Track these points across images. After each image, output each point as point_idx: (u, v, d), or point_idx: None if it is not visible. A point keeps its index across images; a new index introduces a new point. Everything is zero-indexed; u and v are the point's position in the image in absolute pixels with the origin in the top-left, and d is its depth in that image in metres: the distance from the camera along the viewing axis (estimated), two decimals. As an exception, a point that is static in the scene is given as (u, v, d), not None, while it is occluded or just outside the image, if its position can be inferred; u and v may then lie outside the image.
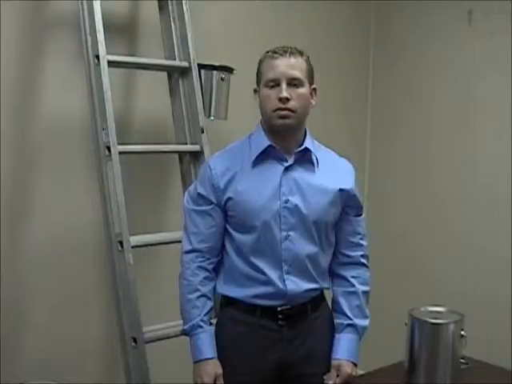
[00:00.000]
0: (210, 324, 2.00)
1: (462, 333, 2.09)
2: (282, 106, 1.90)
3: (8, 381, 2.41)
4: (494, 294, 3.26)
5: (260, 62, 1.98)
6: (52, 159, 2.62)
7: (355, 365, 2.01)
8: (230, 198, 1.95)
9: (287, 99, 1.89)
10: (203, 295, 1.98)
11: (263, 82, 1.94)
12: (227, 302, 2.03)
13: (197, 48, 2.65)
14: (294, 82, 1.90)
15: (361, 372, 2.12)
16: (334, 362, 1.99)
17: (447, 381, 2.09)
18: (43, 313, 2.63)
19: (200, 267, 1.99)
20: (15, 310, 2.57)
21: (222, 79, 2.81)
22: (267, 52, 1.96)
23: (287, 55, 1.91)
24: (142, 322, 2.37)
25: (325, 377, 1.96)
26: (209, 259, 2.00)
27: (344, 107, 3.74)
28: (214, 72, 2.80)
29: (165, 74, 2.72)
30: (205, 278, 1.99)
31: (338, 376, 1.98)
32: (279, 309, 1.96)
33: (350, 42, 3.74)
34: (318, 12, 3.52)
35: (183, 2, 2.63)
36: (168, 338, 2.48)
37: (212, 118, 2.81)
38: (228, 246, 2.00)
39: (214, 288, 2.03)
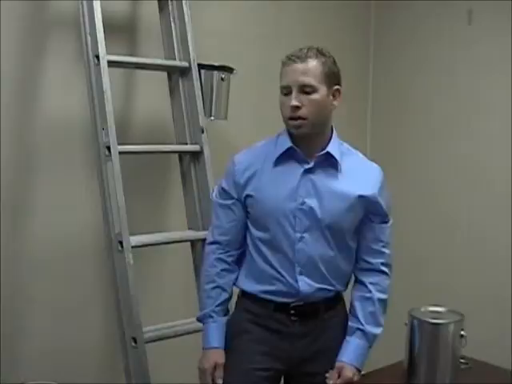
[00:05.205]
0: (225, 315, 2.06)
1: (462, 333, 2.09)
2: (293, 114, 1.91)
3: (8, 381, 2.41)
4: (494, 294, 3.26)
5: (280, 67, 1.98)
6: (52, 159, 2.62)
7: (359, 370, 2.00)
8: (249, 196, 1.99)
9: (297, 107, 1.90)
10: (218, 286, 2.04)
11: (280, 88, 1.96)
12: (243, 294, 2.08)
13: (197, 48, 2.65)
14: (305, 90, 1.91)
15: (361, 373, 2.12)
16: (337, 363, 1.99)
17: (447, 381, 2.09)
18: (43, 313, 2.63)
19: (219, 259, 2.06)
20: (15, 309, 2.57)
21: (222, 79, 2.81)
22: (286, 56, 1.96)
23: (299, 61, 1.91)
24: (141, 322, 2.37)
25: (327, 374, 1.97)
26: (228, 252, 2.06)
27: (344, 107, 3.72)
28: (214, 72, 2.79)
29: (165, 74, 2.72)
30: (222, 269, 2.05)
31: (339, 377, 1.97)
32: (292, 305, 1.99)
33: (350, 42, 3.74)
34: (318, 12, 3.52)
35: (183, 2, 2.63)
36: (168, 338, 2.48)
37: (212, 117, 2.81)
38: (248, 240, 2.05)
39: (236, 280, 2.08)
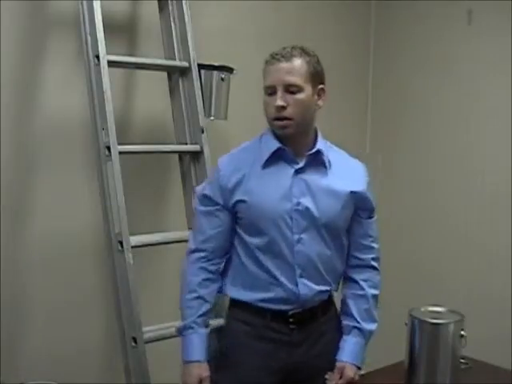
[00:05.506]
0: (206, 326, 1.99)
1: (462, 333, 2.09)
2: (279, 114, 1.87)
3: (8, 381, 2.41)
4: (494, 294, 3.26)
5: (263, 65, 1.94)
6: (52, 159, 2.62)
7: (359, 368, 2.00)
8: (239, 201, 1.92)
9: (283, 107, 1.86)
10: (200, 297, 1.97)
11: (263, 88, 1.92)
12: (236, 303, 2.01)
13: (197, 48, 2.65)
14: (290, 89, 1.86)
15: (361, 372, 2.12)
16: (338, 364, 1.99)
17: (447, 381, 2.09)
18: (43, 313, 2.63)
19: (201, 268, 1.98)
20: (15, 309, 2.56)
21: (222, 79, 2.81)
22: (270, 55, 1.92)
23: (284, 60, 1.87)
24: (141, 322, 2.37)
25: (327, 376, 1.96)
26: (211, 260, 1.99)
27: (344, 107, 3.74)
28: (214, 72, 2.79)
29: (165, 74, 2.72)
30: (205, 279, 1.97)
31: (340, 378, 1.97)
32: (290, 313, 1.94)
33: (350, 42, 3.74)
34: (318, 12, 3.52)
35: (183, 2, 2.63)
36: (168, 338, 2.47)
37: (212, 117, 2.81)
38: (238, 248, 1.98)
39: (221, 288, 2.02)
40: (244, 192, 1.92)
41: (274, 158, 1.93)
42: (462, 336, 2.09)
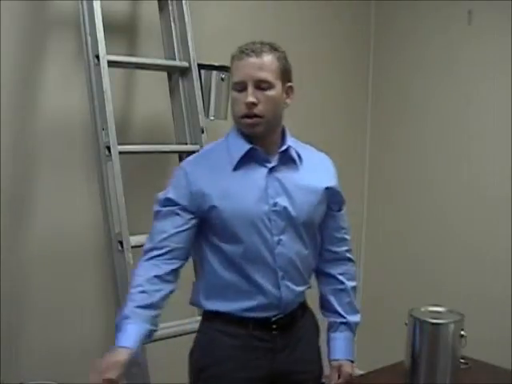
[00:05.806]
0: (150, 324, 1.77)
1: (462, 333, 2.09)
2: (249, 112, 1.79)
3: (8, 381, 2.41)
4: (494, 294, 3.26)
5: (231, 60, 1.85)
6: (52, 159, 2.62)
7: (353, 362, 2.00)
8: (212, 206, 1.80)
9: (253, 104, 1.77)
10: (145, 292, 1.76)
11: (231, 85, 1.84)
12: (213, 315, 1.90)
13: (197, 48, 2.65)
14: (261, 85, 1.78)
15: (361, 372, 2.11)
16: (334, 363, 1.97)
17: (447, 381, 2.09)
18: (43, 313, 2.63)
19: (154, 265, 1.80)
20: (15, 309, 2.57)
21: (222, 79, 2.81)
22: (238, 49, 1.83)
23: (254, 55, 1.79)
24: (141, 322, 2.37)
25: (325, 379, 1.95)
26: (168, 260, 1.81)
27: (344, 108, 3.74)
28: (214, 72, 2.80)
29: (165, 74, 2.72)
30: (155, 276, 1.78)
31: (339, 377, 1.96)
32: (273, 319, 1.88)
33: (350, 43, 3.74)
34: (319, 13, 3.52)
35: (183, 2, 2.64)
36: (168, 337, 2.48)
37: (212, 117, 2.82)
38: (213, 259, 1.86)
39: (195, 302, 1.94)
40: (216, 196, 1.80)
41: (246, 159, 1.84)
42: (462, 336, 2.09)
